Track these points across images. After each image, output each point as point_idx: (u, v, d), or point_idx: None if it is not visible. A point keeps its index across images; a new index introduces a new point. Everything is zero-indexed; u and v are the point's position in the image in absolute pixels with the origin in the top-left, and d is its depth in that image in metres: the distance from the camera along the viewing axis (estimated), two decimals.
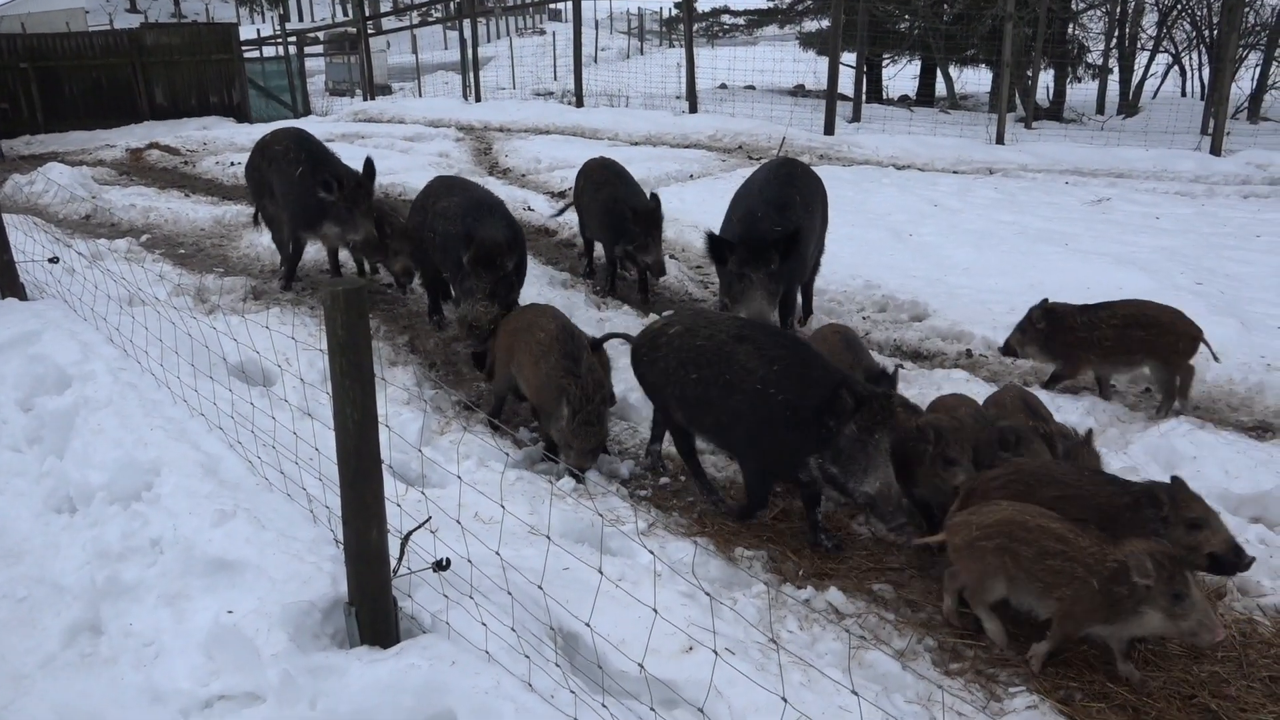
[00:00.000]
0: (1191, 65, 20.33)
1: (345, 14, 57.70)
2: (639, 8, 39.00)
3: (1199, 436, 4.71)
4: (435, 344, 6.23)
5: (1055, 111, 18.00)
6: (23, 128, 16.31)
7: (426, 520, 3.34)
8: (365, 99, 19.58)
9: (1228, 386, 5.46)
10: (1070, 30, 19.35)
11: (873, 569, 3.91)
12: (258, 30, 28.22)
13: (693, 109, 15.51)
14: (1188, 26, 19.57)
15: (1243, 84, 18.87)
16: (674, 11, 30.67)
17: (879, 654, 3.31)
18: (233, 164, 12.07)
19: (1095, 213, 9.65)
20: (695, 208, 9.30)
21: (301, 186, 6.66)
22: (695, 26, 16.48)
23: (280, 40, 21.63)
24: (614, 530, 3.85)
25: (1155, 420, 5.01)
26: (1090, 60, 20.20)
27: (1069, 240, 8.33)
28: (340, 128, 15.03)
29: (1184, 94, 20.35)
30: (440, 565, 3.25)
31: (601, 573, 2.94)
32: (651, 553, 3.35)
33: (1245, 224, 9.19)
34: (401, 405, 4.94)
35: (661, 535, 3.96)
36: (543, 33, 41.40)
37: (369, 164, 6.70)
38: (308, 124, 15.95)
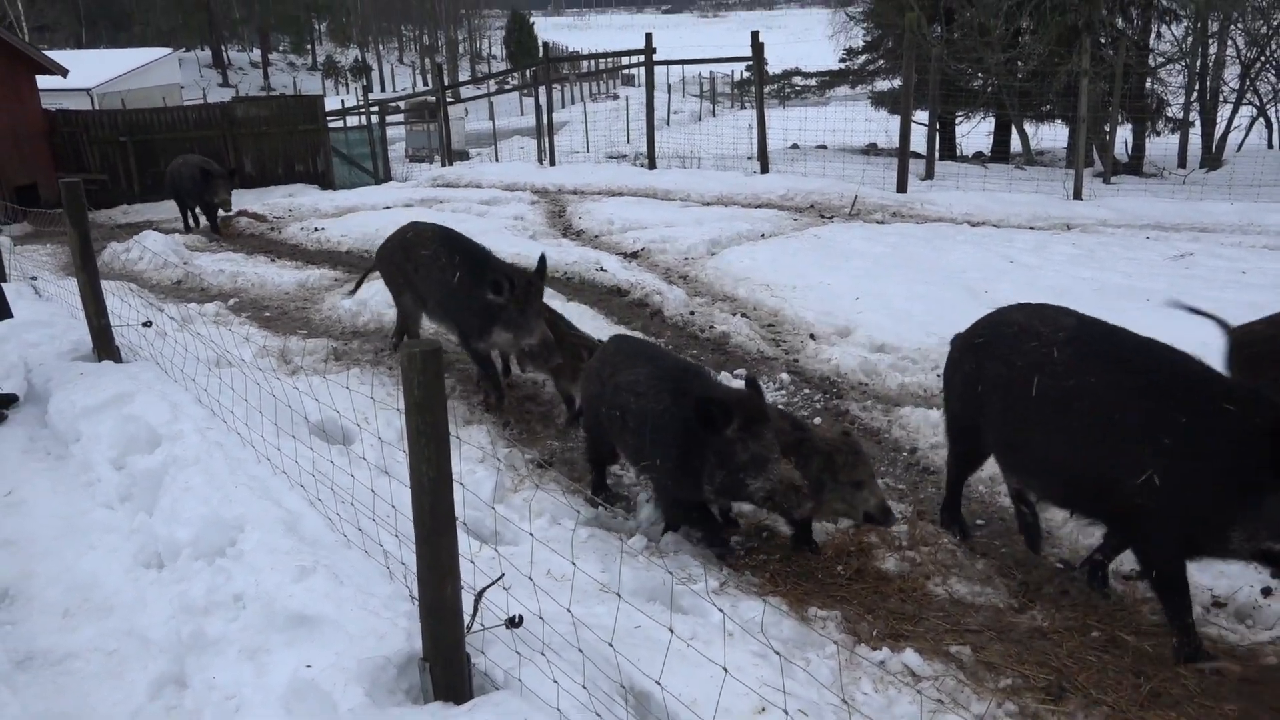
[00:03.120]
0: (1278, 116, 19.90)
1: (425, 84, 59.69)
2: (710, 71, 39.58)
3: None
4: (509, 402, 6.32)
5: (1135, 166, 17.72)
6: (120, 197, 17.10)
7: (500, 577, 3.37)
8: (444, 165, 20.12)
9: None
10: (1149, 85, 19.11)
11: (950, 630, 3.82)
12: (342, 101, 29.33)
13: (764, 169, 15.63)
14: (1272, 78, 19.19)
15: None
16: (745, 74, 31.08)
17: (956, 718, 3.23)
18: (317, 229, 12.48)
19: (1178, 268, 9.43)
20: (767, 266, 9.34)
21: (464, 292, 5.88)
22: (766, 88, 16.66)
23: (363, 110, 22.42)
24: (685, 589, 3.84)
25: None
26: (1170, 114, 19.90)
27: (1150, 296, 8.14)
28: (420, 193, 15.45)
29: (1270, 146, 19.89)
30: (513, 622, 3.27)
31: (672, 631, 2.93)
32: (721, 611, 3.33)
33: None
34: (476, 463, 5.01)
35: (733, 594, 3.94)
36: (616, 97, 42.21)
37: (542, 261, 5.84)
38: (388, 190, 16.46)
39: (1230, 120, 19.27)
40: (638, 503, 4.95)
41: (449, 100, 20.88)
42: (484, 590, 3.32)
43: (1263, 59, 18.57)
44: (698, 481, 4.11)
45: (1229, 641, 3.79)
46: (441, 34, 67.24)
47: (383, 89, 56.19)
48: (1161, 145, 19.47)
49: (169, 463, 4.67)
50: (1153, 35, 19.34)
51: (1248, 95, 19.38)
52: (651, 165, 16.69)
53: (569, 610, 3.12)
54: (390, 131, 23.11)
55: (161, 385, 5.61)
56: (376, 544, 3.82)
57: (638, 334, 7.57)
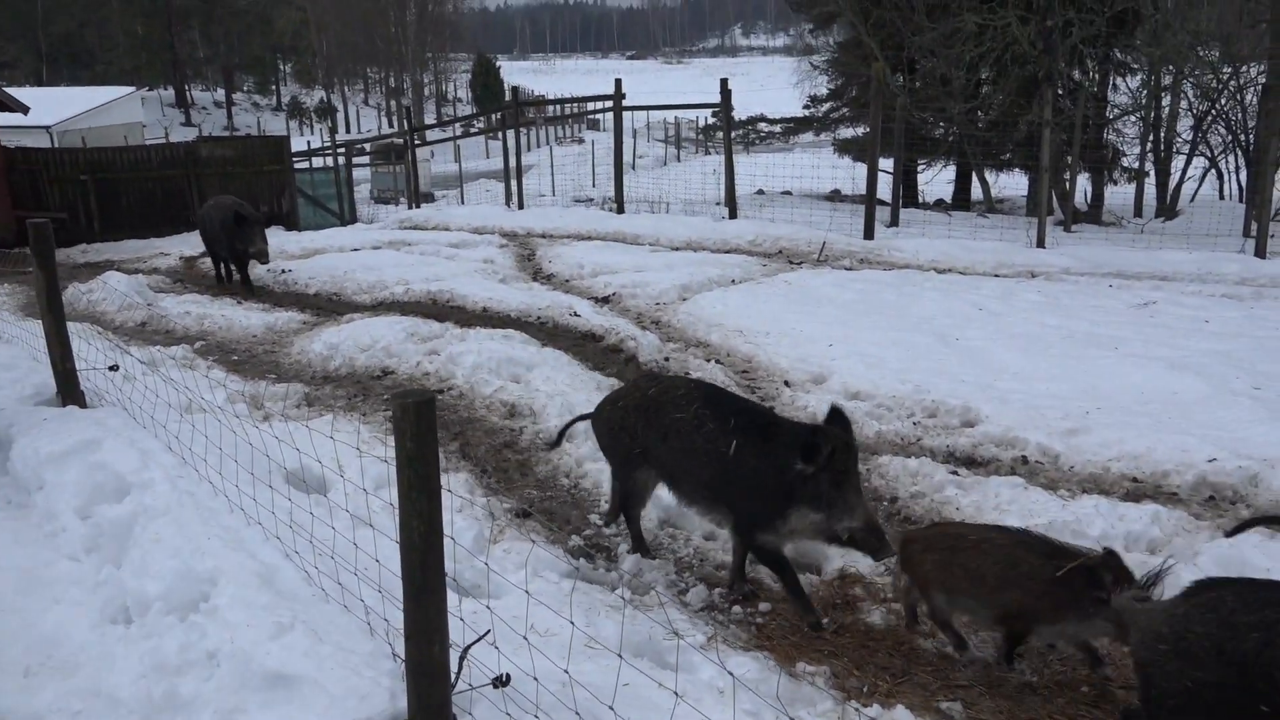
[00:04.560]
0: (1228, 168, 20.41)
1: (391, 125, 59.74)
2: (675, 117, 39.99)
3: (1270, 547, 4.59)
4: (486, 450, 6.23)
5: (1094, 215, 18.06)
6: (80, 236, 16.83)
7: (486, 633, 3.29)
8: (410, 207, 20.07)
9: None
10: (1106, 135, 19.55)
11: (942, 686, 3.78)
12: (308, 142, 29.21)
13: (732, 215, 15.73)
14: (1223, 130, 19.70)
15: None
16: (711, 120, 31.40)
17: None
18: (283, 271, 12.34)
19: (1142, 316, 9.58)
20: (739, 312, 9.36)
21: (754, 473, 4.24)
22: (732, 134, 16.83)
23: (330, 151, 22.34)
24: (673, 644, 3.77)
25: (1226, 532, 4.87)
26: (1126, 164, 20.35)
27: (1118, 344, 8.26)
28: (388, 235, 15.38)
29: (1222, 196, 20.37)
30: (500, 681, 3.19)
31: (677, 694, 2.87)
32: (723, 667, 3.26)
33: None
34: (454, 513, 4.92)
35: (722, 650, 3.87)
36: (581, 141, 42.51)
37: (840, 414, 4.24)
38: (355, 231, 16.37)
39: (1184, 171, 19.75)
40: (619, 554, 4.88)
41: (416, 143, 20.88)
42: (469, 647, 3.24)
43: (1213, 112, 19.06)
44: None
45: None
46: (408, 76, 67.42)
47: (348, 130, 56.12)
48: (1119, 194, 19.89)
49: (138, 513, 4.53)
50: (1110, 88, 19.80)
51: (1200, 147, 19.88)
52: (620, 209, 16.75)
53: (566, 671, 3.04)
54: (355, 173, 23.03)
55: (130, 431, 5.47)
56: (357, 599, 3.72)
57: (613, 379, 7.52)
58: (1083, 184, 18.81)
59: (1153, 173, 19.58)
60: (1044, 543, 3.84)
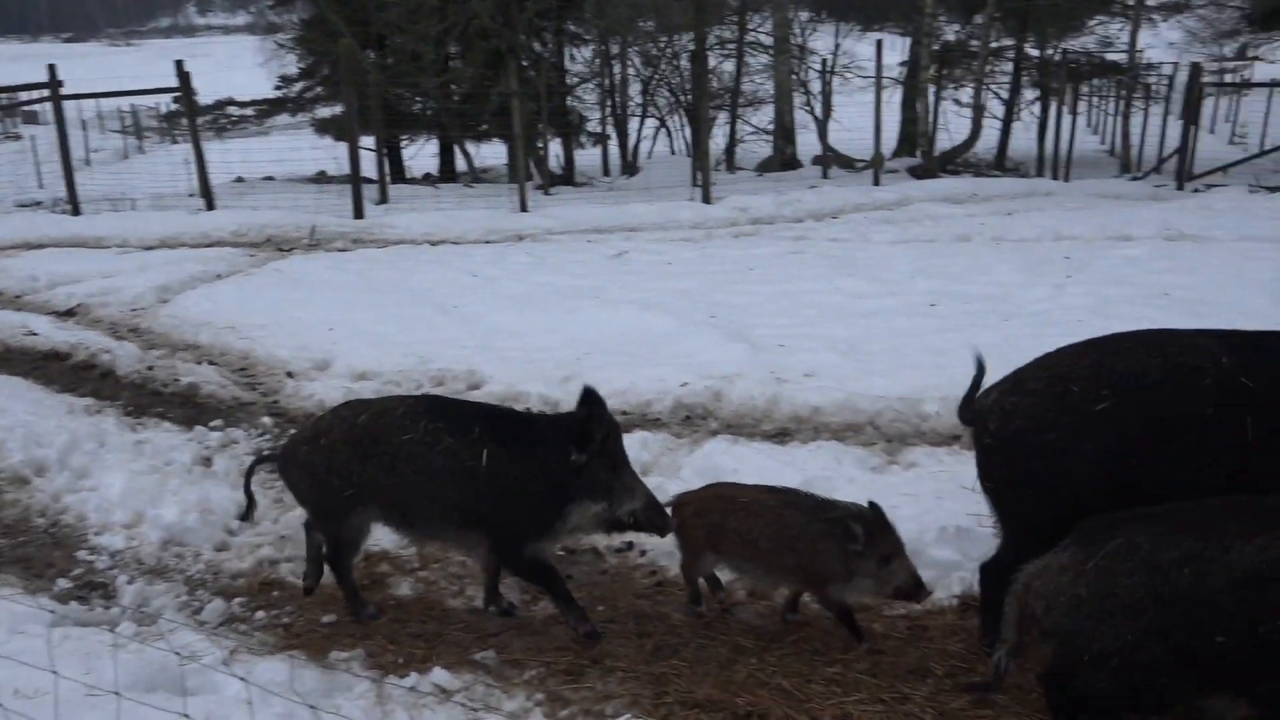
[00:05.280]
0: (675, 127, 22.94)
1: None
2: (132, 104, 36.33)
3: (736, 450, 5.31)
4: None
5: (568, 177, 19.40)
6: None
7: None
8: None
9: (750, 403, 6.18)
10: (570, 102, 21.00)
11: (475, 639, 3.91)
12: None
13: (210, 206, 14.71)
14: (667, 94, 22.09)
15: (718, 140, 21.66)
16: (174, 106, 28.98)
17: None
18: None
19: (617, 265, 10.51)
20: (229, 307, 8.82)
21: (517, 479, 3.85)
22: (200, 120, 15.68)
23: None
24: (191, 669, 3.51)
25: (698, 443, 5.55)
26: (590, 129, 22.07)
27: (599, 293, 9.00)
28: None
29: (673, 152, 22.88)
30: None
31: (185, 716, 2.67)
32: (243, 679, 3.09)
33: (740, 260, 10.51)
34: None
35: (247, 660, 3.67)
36: (18, 137, 37.09)
37: (592, 395, 3.88)
38: None
39: (640, 131, 21.89)
40: (117, 587, 4.42)
41: None
42: None
43: (656, 77, 21.27)
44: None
45: None
46: None
47: None
48: (588, 157, 21.53)
49: None
50: (567, 58, 21.26)
51: (650, 109, 22.13)
52: (76, 211, 14.94)
53: None
54: None
55: None
56: None
57: (89, 399, 6.72)
58: (555, 149, 20.09)
59: (614, 135, 21.46)
60: (811, 501, 3.82)
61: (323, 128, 22.94)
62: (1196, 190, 15.73)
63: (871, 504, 3.64)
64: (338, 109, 22.16)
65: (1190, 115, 16.67)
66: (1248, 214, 12.18)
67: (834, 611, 3.76)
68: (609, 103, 21.14)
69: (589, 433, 3.72)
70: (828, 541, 3.61)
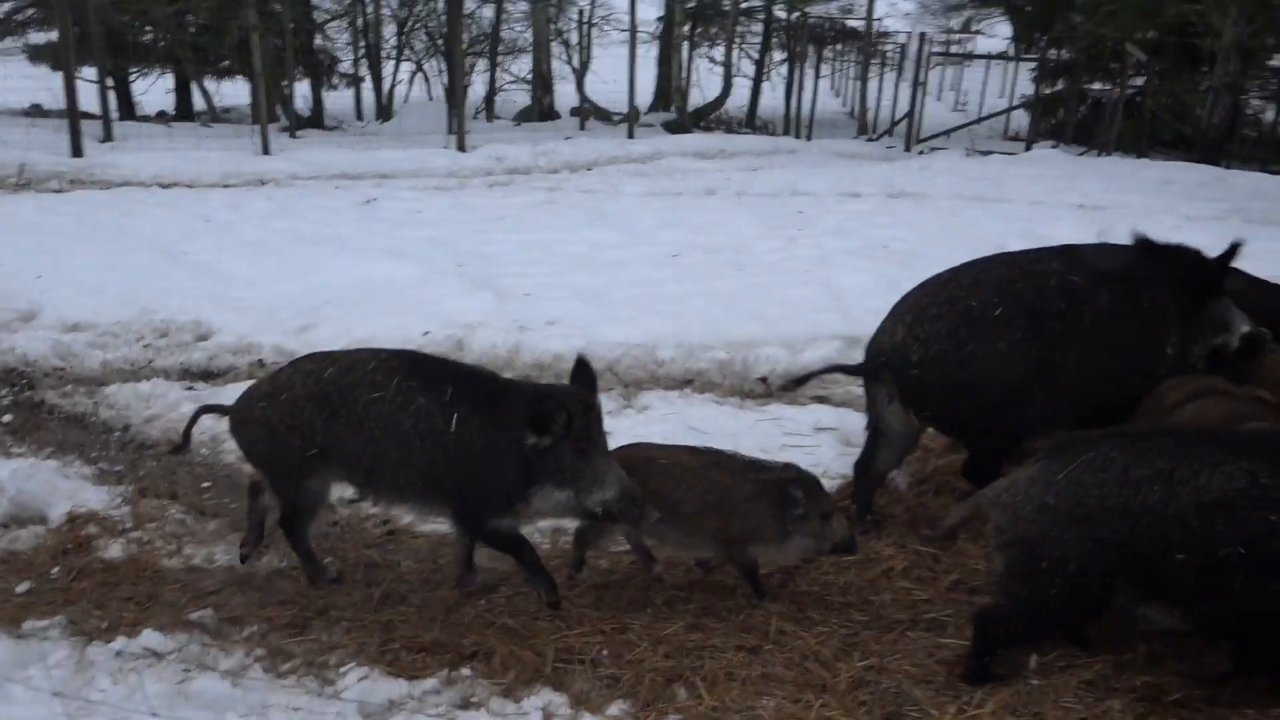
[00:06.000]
0: (433, 72, 22.36)
1: None
2: None
3: None
4: None
5: (316, 120, 18.56)
6: None
7: None
8: None
9: (493, 351, 6.19)
10: (317, 41, 20.02)
11: (191, 599, 3.75)
12: None
13: None
14: (425, 36, 21.46)
15: (477, 88, 21.32)
16: None
17: (208, 679, 3.21)
18: None
19: (365, 212, 10.21)
20: None
21: (484, 450, 3.56)
22: None
23: None
24: None
25: None
26: (343, 70, 21.16)
27: (343, 241, 8.72)
28: None
29: (431, 99, 22.32)
30: None
31: None
32: None
33: (492, 209, 10.46)
34: None
35: None
36: None
37: (585, 367, 3.72)
38: None
39: (395, 75, 21.19)
40: None
41: None
42: None
43: (412, 18, 20.61)
44: None
45: None
46: None
47: None
48: (340, 99, 20.65)
49: None
50: None
51: (406, 52, 21.44)
52: None
53: None
54: None
55: None
56: None
57: None
58: (303, 90, 19.15)
59: (369, 77, 20.66)
60: (737, 461, 3.71)
61: (36, 56, 20.82)
62: (922, 152, 16.99)
63: (787, 465, 3.70)
64: (54, 35, 20.17)
65: (918, 82, 17.95)
66: (960, 175, 13.29)
67: (743, 570, 3.70)
68: (362, 43, 20.32)
69: (548, 414, 3.39)
70: (760, 503, 3.54)
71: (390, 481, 3.64)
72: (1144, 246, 4.22)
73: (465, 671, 3.28)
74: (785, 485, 3.53)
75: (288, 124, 16.35)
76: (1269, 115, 20.07)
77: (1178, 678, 3.10)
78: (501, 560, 3.85)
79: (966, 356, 3.93)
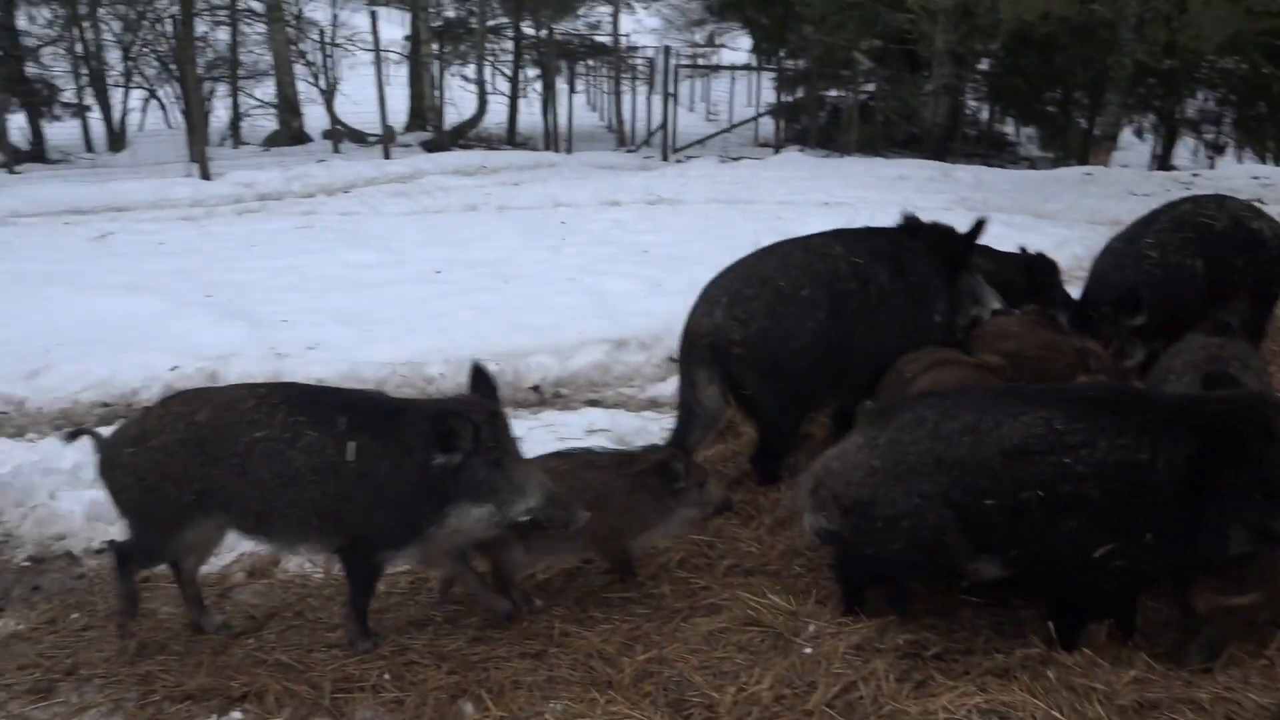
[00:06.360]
0: (169, 99, 21.07)
1: None
2: None
3: None
4: None
5: (38, 154, 17.13)
6: None
7: None
8: None
9: (250, 380, 5.88)
10: (31, 69, 18.47)
11: None
12: None
13: None
14: (155, 61, 20.18)
15: (220, 114, 20.29)
16: None
17: None
18: None
19: (101, 247, 9.48)
20: None
21: (387, 477, 3.29)
22: None
23: None
24: None
25: None
26: (65, 99, 19.58)
27: (74, 278, 8.05)
28: None
29: (170, 126, 21.04)
30: None
31: None
32: None
33: (243, 237, 9.95)
34: None
35: None
36: None
37: (483, 374, 3.52)
38: None
39: (125, 102, 19.84)
40: None
41: None
42: None
43: (138, 42, 19.34)
44: None
45: None
46: None
47: None
48: (66, 130, 19.09)
49: None
50: (22, 18, 18.61)
51: (136, 78, 20.09)
52: None
53: None
54: None
55: None
56: None
57: None
58: (20, 122, 17.62)
59: (96, 106, 19.24)
60: (606, 456, 3.74)
61: None
62: (679, 161, 17.56)
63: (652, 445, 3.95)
64: None
65: (668, 94, 18.56)
66: (714, 180, 13.83)
67: (618, 562, 3.77)
68: (84, 70, 18.89)
69: (452, 430, 3.18)
70: (641, 492, 3.59)
71: (284, 524, 3.37)
72: (907, 224, 4.68)
73: (236, 715, 3.11)
74: (665, 463, 3.61)
75: (4, 159, 14.98)
76: (985, 115, 22.14)
77: (934, 634, 3.32)
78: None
79: (784, 334, 4.21)
